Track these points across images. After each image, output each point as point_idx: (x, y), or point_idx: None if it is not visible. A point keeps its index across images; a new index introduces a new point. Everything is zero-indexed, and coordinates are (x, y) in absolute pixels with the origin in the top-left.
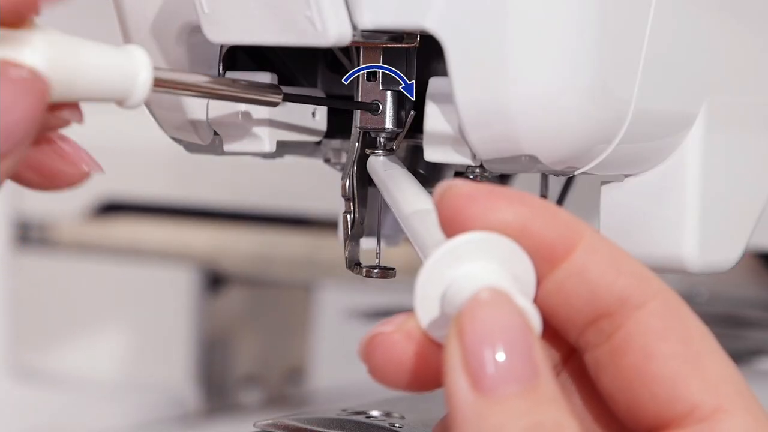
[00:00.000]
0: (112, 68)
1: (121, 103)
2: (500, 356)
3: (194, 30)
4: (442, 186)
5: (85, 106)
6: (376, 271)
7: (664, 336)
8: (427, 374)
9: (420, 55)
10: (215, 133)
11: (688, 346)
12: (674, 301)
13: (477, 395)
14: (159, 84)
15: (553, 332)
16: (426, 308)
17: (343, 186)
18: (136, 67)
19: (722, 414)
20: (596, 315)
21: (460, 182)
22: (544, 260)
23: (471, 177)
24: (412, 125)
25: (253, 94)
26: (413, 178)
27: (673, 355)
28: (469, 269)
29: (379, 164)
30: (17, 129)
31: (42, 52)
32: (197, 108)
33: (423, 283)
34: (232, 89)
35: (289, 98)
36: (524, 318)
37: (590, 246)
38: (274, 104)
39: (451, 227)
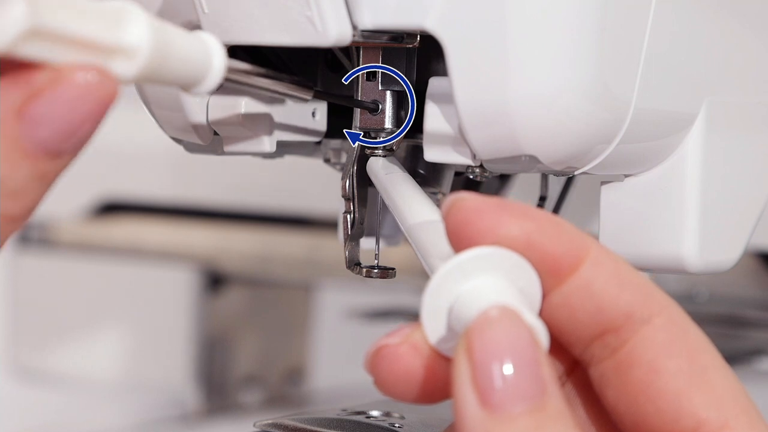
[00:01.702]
0: (192, 56)
1: (188, 88)
2: (509, 373)
3: (194, 30)
4: (450, 199)
5: None
6: (376, 271)
7: (670, 352)
8: (433, 387)
9: (420, 55)
10: (215, 133)
11: (694, 362)
12: (679, 316)
13: (485, 412)
14: (228, 72)
15: (557, 345)
16: (433, 322)
17: (343, 186)
18: (210, 54)
19: (728, 430)
20: (602, 330)
21: (468, 195)
22: (551, 274)
23: (471, 177)
24: (412, 125)
25: (288, 88)
26: (414, 182)
27: (679, 371)
28: (477, 284)
29: (378, 166)
30: (78, 130)
31: (145, 43)
32: (197, 108)
33: (430, 297)
34: (272, 82)
35: (318, 95)
36: (533, 335)
37: (596, 261)
38: (305, 100)
39: (458, 240)
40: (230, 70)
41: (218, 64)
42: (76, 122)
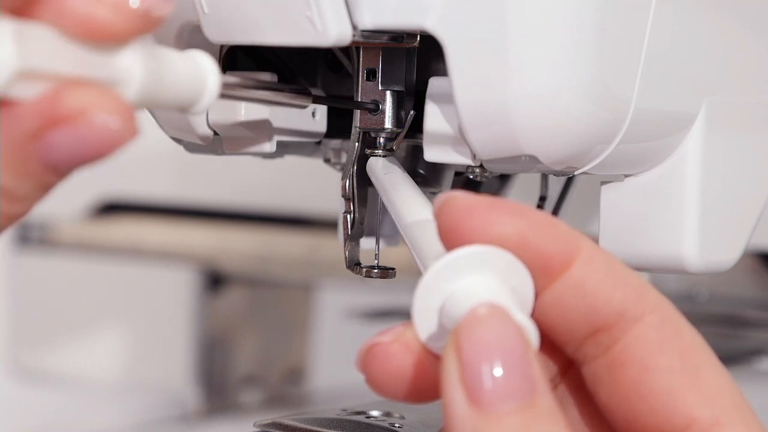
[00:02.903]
0: (186, 77)
1: (185, 109)
2: (497, 372)
3: (194, 30)
4: (441, 198)
5: None
6: (376, 271)
7: (662, 349)
8: (425, 385)
9: (420, 55)
10: (215, 133)
11: (686, 360)
12: (672, 314)
13: (474, 410)
14: (223, 89)
15: (551, 345)
16: (424, 320)
17: (343, 186)
18: (204, 73)
19: (720, 428)
20: (594, 328)
21: (459, 194)
22: (543, 273)
23: (471, 177)
24: (412, 125)
25: (286, 97)
26: (413, 182)
27: (671, 369)
28: (468, 283)
29: (378, 167)
30: (88, 160)
31: (138, 69)
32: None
33: (422, 295)
34: (270, 93)
35: (317, 101)
36: (522, 334)
37: (588, 259)
38: (304, 107)
39: (450, 239)
40: (225, 86)
41: (213, 82)
42: (88, 154)
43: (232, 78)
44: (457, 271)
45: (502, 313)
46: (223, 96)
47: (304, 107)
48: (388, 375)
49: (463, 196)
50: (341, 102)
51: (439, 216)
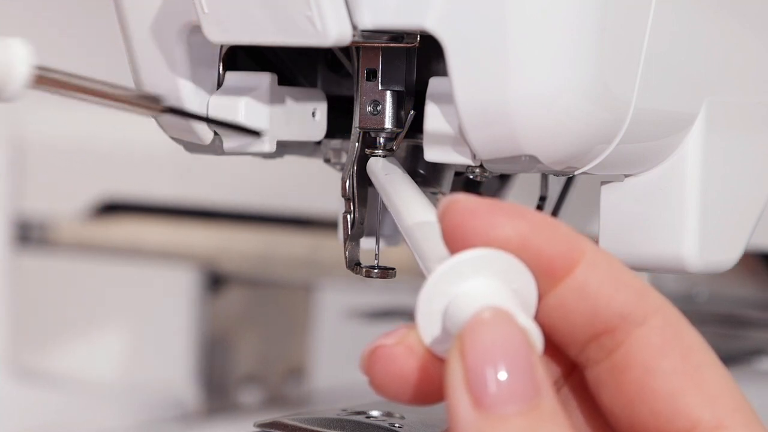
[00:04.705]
0: None
1: None
2: (502, 375)
3: (194, 30)
4: (445, 200)
5: (87, 105)
6: (376, 271)
7: (665, 352)
8: (428, 388)
9: (420, 55)
10: (215, 133)
11: (689, 362)
12: (674, 317)
13: (478, 413)
14: (40, 81)
15: (554, 348)
16: (428, 323)
17: (343, 186)
18: (11, 60)
19: (722, 430)
20: (597, 331)
21: (463, 197)
22: (546, 276)
23: (471, 177)
24: (412, 125)
25: (134, 102)
26: (413, 183)
27: (674, 372)
28: (471, 286)
29: (378, 167)
30: None
31: None
32: (197, 108)
33: (425, 299)
34: (114, 97)
35: (170, 111)
36: (526, 337)
37: (591, 262)
38: (153, 115)
39: (453, 242)
40: (42, 79)
41: (20, 71)
42: None
43: (52, 73)
44: (460, 274)
45: (505, 317)
46: (41, 89)
47: (154, 116)
48: (392, 377)
49: (465, 199)
50: (202, 118)
51: (442, 219)
